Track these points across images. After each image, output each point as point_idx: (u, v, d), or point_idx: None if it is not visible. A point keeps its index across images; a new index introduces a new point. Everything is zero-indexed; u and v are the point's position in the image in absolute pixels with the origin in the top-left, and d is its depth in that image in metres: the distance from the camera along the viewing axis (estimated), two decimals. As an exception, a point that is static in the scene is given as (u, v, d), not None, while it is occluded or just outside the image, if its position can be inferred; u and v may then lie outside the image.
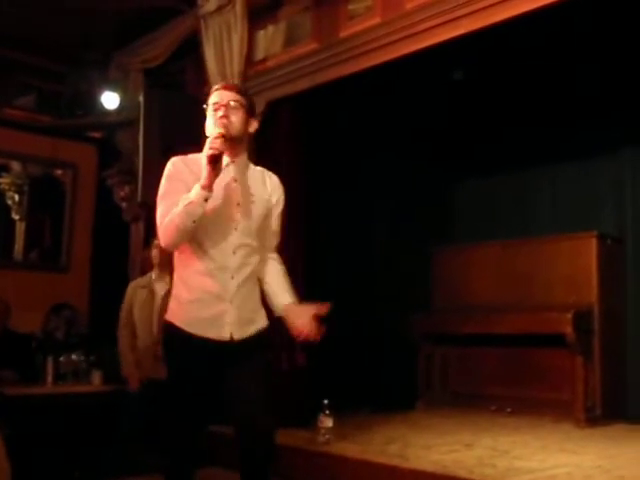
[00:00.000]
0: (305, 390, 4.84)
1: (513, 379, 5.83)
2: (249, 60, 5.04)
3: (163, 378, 4.34)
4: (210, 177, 2.47)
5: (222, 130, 2.54)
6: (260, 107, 4.39)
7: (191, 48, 5.33)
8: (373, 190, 5.98)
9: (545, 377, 5.63)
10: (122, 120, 5.98)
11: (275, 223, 2.79)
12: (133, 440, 4.62)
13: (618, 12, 4.12)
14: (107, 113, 6.17)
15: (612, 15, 4.17)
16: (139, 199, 4.36)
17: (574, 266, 5.58)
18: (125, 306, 4.84)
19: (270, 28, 5.14)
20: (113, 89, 6.08)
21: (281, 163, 3.93)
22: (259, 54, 5.19)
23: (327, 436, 4.39)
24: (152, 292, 4.81)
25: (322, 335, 2.62)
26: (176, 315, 2.67)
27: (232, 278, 2.61)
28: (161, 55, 5.69)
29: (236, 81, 4.63)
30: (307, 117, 5.21)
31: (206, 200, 2.49)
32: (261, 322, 2.72)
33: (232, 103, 2.64)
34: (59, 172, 6.70)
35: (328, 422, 4.43)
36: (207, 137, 2.55)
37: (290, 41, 5.01)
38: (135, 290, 4.88)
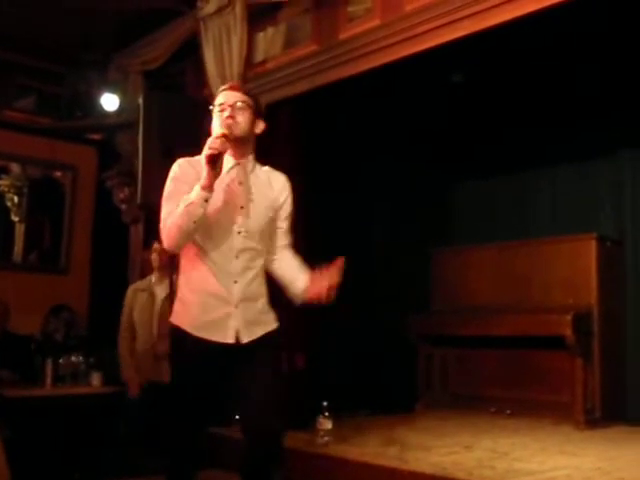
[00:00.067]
0: (304, 392, 4.84)
1: (513, 381, 5.83)
2: (249, 62, 5.05)
3: (163, 381, 4.40)
4: (209, 177, 2.46)
5: (225, 130, 2.53)
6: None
7: (191, 50, 5.33)
8: (372, 192, 5.98)
9: (545, 379, 5.63)
10: (122, 122, 5.98)
11: (285, 223, 2.76)
12: (132, 442, 4.62)
13: (618, 13, 4.12)
14: (107, 115, 6.17)
15: (611, 16, 4.17)
16: (138, 201, 4.35)
17: (573, 268, 5.58)
18: (125, 309, 4.84)
19: (270, 30, 5.14)
20: (113, 91, 6.08)
21: (280, 165, 3.92)
22: (259, 56, 5.19)
23: (326, 438, 4.39)
24: (152, 295, 4.81)
25: (333, 297, 2.60)
26: (181, 318, 2.66)
27: (235, 282, 2.60)
28: (161, 57, 5.69)
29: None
30: (306, 119, 5.21)
31: (206, 200, 2.47)
32: (270, 324, 2.70)
33: (238, 104, 2.62)
34: (59, 174, 6.71)
35: (327, 424, 4.42)
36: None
37: (290, 43, 5.01)
38: (135, 293, 4.88)
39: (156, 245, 4.81)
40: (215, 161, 2.45)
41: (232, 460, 3.55)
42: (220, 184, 2.57)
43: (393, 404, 5.68)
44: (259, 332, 2.64)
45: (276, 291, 2.78)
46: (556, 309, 5.37)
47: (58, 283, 6.46)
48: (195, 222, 2.49)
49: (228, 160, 2.65)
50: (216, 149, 2.44)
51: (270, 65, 5.11)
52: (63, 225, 6.63)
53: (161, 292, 4.74)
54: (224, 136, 2.49)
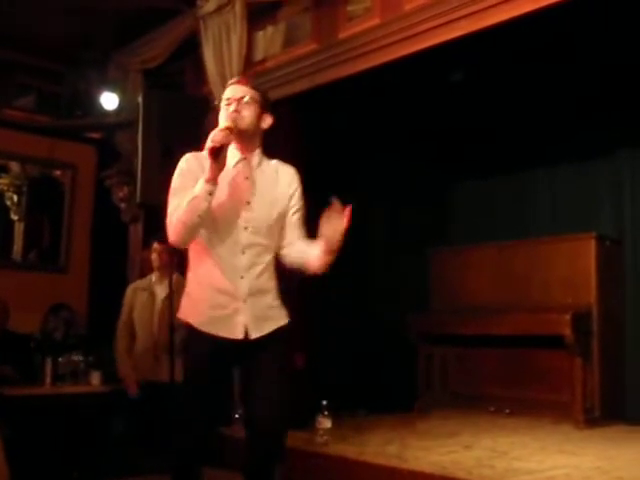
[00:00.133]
0: (303, 391, 4.84)
1: (512, 380, 5.84)
2: (248, 61, 5.04)
3: (162, 380, 4.40)
4: (213, 170, 2.44)
5: (230, 123, 2.52)
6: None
7: (190, 48, 5.33)
8: (372, 191, 5.97)
9: (544, 378, 5.63)
10: (121, 121, 5.98)
11: (295, 216, 2.73)
12: (131, 441, 4.63)
13: (616, 13, 4.12)
14: (106, 114, 6.17)
15: (609, 16, 4.17)
16: (138, 200, 4.34)
17: (573, 267, 5.58)
18: (125, 308, 4.84)
19: (269, 29, 5.14)
20: (112, 90, 6.08)
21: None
22: (258, 55, 5.19)
23: (325, 437, 4.39)
24: (152, 294, 4.81)
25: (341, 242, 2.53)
26: (188, 313, 2.66)
27: (242, 278, 2.58)
28: (160, 55, 5.69)
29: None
30: (306, 118, 5.21)
31: (210, 194, 2.45)
32: (280, 320, 2.68)
33: (245, 98, 2.61)
34: (58, 172, 6.70)
35: (326, 423, 4.42)
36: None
37: (289, 42, 5.01)
38: (135, 292, 4.88)
39: (156, 245, 4.81)
40: (217, 153, 2.43)
41: (233, 459, 3.56)
42: (226, 179, 2.55)
43: (393, 403, 5.68)
44: (268, 328, 2.62)
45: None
46: (555, 308, 5.37)
47: (57, 282, 6.46)
48: (200, 216, 2.47)
49: (234, 155, 2.64)
50: (218, 141, 2.42)
51: (270, 64, 5.11)
52: (62, 224, 6.63)
53: (161, 292, 4.73)
54: (228, 129, 2.48)
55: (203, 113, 4.31)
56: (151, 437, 4.49)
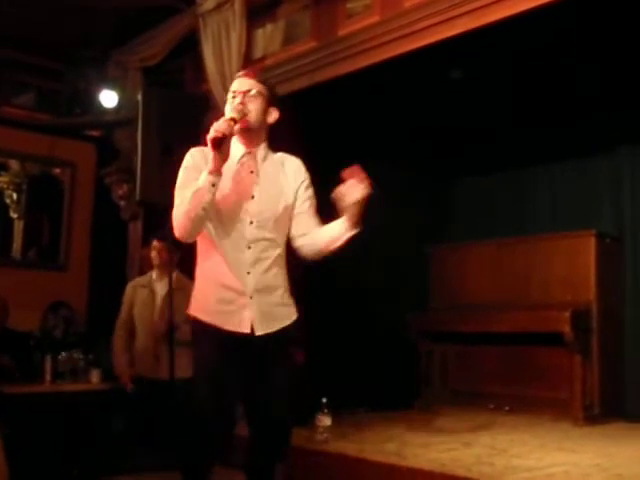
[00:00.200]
0: (303, 388, 4.84)
1: (512, 377, 5.84)
2: (248, 58, 5.04)
3: (161, 378, 4.40)
4: (215, 161, 2.42)
5: (234, 115, 2.50)
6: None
7: (190, 46, 5.32)
8: (371, 188, 5.96)
9: (543, 376, 5.64)
10: (121, 118, 5.97)
11: (305, 205, 2.70)
12: (130, 439, 4.63)
13: (615, 11, 4.12)
14: (106, 112, 6.16)
15: (609, 14, 4.17)
16: (137, 198, 4.35)
17: (572, 265, 5.59)
18: (124, 305, 4.84)
19: (269, 26, 5.13)
20: (112, 87, 6.07)
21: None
22: (258, 52, 5.19)
23: (325, 435, 4.39)
24: (152, 292, 4.81)
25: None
26: (197, 308, 2.63)
27: (248, 274, 2.56)
28: (159, 53, 5.68)
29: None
30: (305, 115, 5.20)
31: (214, 185, 2.43)
32: (287, 318, 2.66)
33: (252, 91, 2.60)
34: (57, 170, 6.69)
35: (326, 421, 4.43)
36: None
37: (289, 39, 5.00)
38: (135, 289, 4.88)
39: (155, 242, 4.81)
40: (219, 143, 2.40)
41: (234, 457, 3.55)
42: (230, 173, 2.54)
43: (392, 401, 5.68)
44: (275, 326, 2.60)
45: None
46: (555, 306, 5.38)
47: (57, 280, 6.46)
48: (204, 208, 2.44)
49: (239, 148, 2.62)
50: (221, 132, 2.40)
51: (269, 62, 5.11)
52: (62, 222, 6.62)
53: (161, 289, 4.73)
54: (232, 120, 2.46)
55: (202, 111, 4.31)
56: (151, 435, 4.50)
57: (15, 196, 6.44)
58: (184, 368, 4.51)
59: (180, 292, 4.55)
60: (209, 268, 2.61)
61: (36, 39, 5.96)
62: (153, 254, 4.83)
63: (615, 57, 4.82)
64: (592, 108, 5.45)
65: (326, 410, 4.44)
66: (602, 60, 4.90)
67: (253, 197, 2.59)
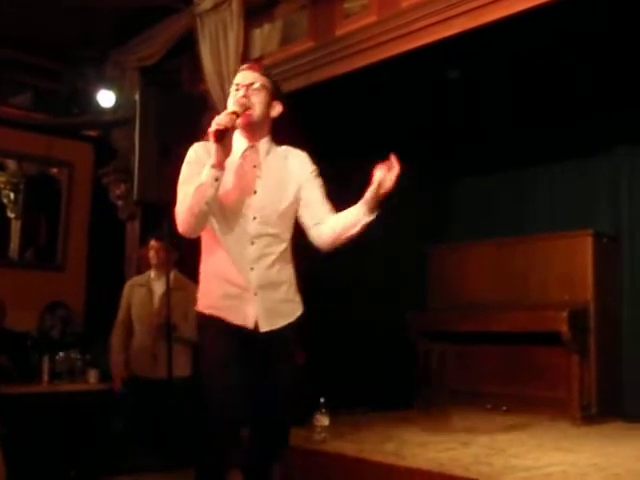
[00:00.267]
0: (302, 388, 4.84)
1: (510, 377, 5.85)
2: (245, 58, 5.03)
3: (159, 378, 4.40)
4: (218, 155, 2.39)
5: (237, 108, 2.48)
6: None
7: (187, 46, 5.32)
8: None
9: (541, 375, 5.64)
10: (118, 118, 5.97)
11: (315, 194, 2.66)
12: (128, 439, 4.63)
13: (614, 11, 4.12)
14: (103, 111, 6.16)
15: (608, 14, 4.17)
16: (135, 198, 4.34)
17: (570, 264, 5.59)
18: (123, 304, 4.83)
19: (266, 26, 5.13)
20: (109, 87, 6.07)
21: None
22: (255, 52, 5.18)
23: (323, 434, 4.39)
24: (150, 291, 4.80)
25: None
26: (203, 303, 2.61)
27: (252, 269, 2.53)
28: (157, 53, 5.68)
29: (232, 80, 4.63)
30: (303, 115, 5.20)
31: (217, 180, 2.40)
32: (292, 315, 2.64)
33: (255, 84, 2.57)
34: (55, 170, 6.68)
35: (324, 420, 4.43)
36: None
37: (286, 39, 5.00)
38: (132, 288, 4.88)
39: (153, 242, 4.80)
40: (221, 137, 2.37)
41: (232, 457, 3.53)
42: (233, 167, 2.52)
43: (391, 401, 5.68)
44: (279, 323, 2.58)
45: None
46: (553, 305, 5.38)
47: (54, 280, 6.45)
48: (207, 203, 2.42)
49: (242, 142, 2.60)
50: (223, 125, 2.38)
51: (267, 61, 5.09)
52: (59, 222, 6.61)
53: (159, 288, 4.73)
54: (234, 113, 2.44)
55: (200, 111, 4.30)
56: (149, 435, 4.50)
57: (12, 196, 6.43)
58: (182, 367, 4.54)
59: (178, 291, 4.56)
60: (213, 264, 2.59)
61: (34, 39, 5.95)
62: (151, 254, 4.83)
63: (613, 57, 4.82)
64: (591, 108, 5.45)
65: (324, 410, 4.44)
66: (601, 60, 4.90)
67: (255, 192, 2.56)
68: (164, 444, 4.36)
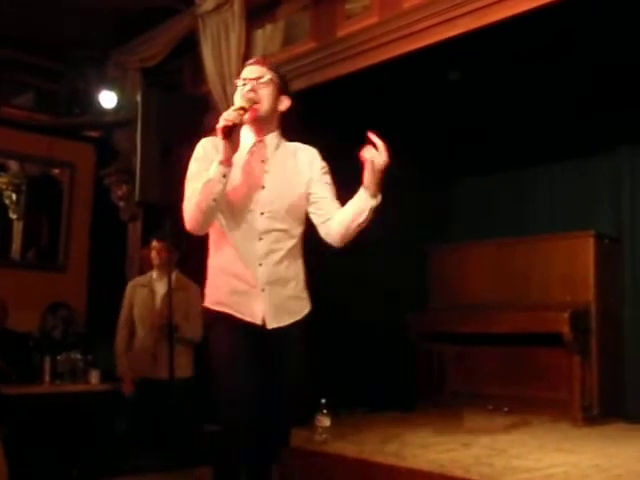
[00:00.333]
0: (304, 389, 4.84)
1: (511, 378, 5.84)
2: (247, 59, 5.02)
3: (160, 378, 4.40)
4: (226, 151, 2.37)
5: (245, 104, 2.45)
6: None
7: (189, 47, 5.32)
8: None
9: (543, 376, 5.63)
10: (120, 119, 5.98)
11: (324, 190, 2.62)
12: (130, 439, 4.63)
13: (615, 12, 4.12)
14: (105, 112, 6.17)
15: (609, 14, 4.17)
16: (137, 198, 4.35)
17: (571, 265, 5.59)
18: (125, 304, 4.84)
19: (268, 27, 5.13)
20: (111, 88, 6.07)
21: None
22: (257, 53, 5.18)
23: (324, 435, 4.39)
24: (152, 291, 4.81)
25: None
26: (211, 300, 2.58)
27: (260, 265, 2.50)
28: (159, 54, 5.69)
29: (233, 81, 4.64)
30: (304, 116, 5.20)
31: (224, 176, 2.38)
32: (299, 312, 2.60)
33: (262, 78, 2.55)
34: (56, 171, 6.69)
35: (325, 421, 4.43)
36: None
37: (288, 40, 5.00)
38: (135, 289, 4.88)
39: (155, 243, 4.80)
40: (229, 133, 2.35)
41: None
42: (241, 163, 2.49)
43: (392, 401, 5.68)
44: (287, 320, 2.55)
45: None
46: (554, 306, 5.38)
47: (56, 280, 6.45)
48: (215, 200, 2.39)
49: (250, 137, 2.57)
50: (230, 120, 2.35)
51: (268, 62, 5.10)
52: (61, 222, 6.62)
53: (161, 289, 4.73)
54: (242, 109, 2.41)
55: (202, 112, 4.31)
56: (151, 435, 4.50)
57: (14, 197, 6.44)
58: (183, 367, 4.54)
59: (180, 292, 4.57)
60: (221, 260, 2.56)
61: (36, 39, 5.95)
62: (153, 254, 4.83)
63: (615, 57, 4.82)
64: (592, 108, 5.45)
65: (325, 411, 4.44)
66: (602, 60, 4.90)
67: (264, 187, 2.53)
68: (165, 444, 4.37)
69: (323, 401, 4.45)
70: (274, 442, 2.60)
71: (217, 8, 5.00)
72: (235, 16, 4.92)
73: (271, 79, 2.57)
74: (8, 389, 4.46)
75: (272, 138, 2.62)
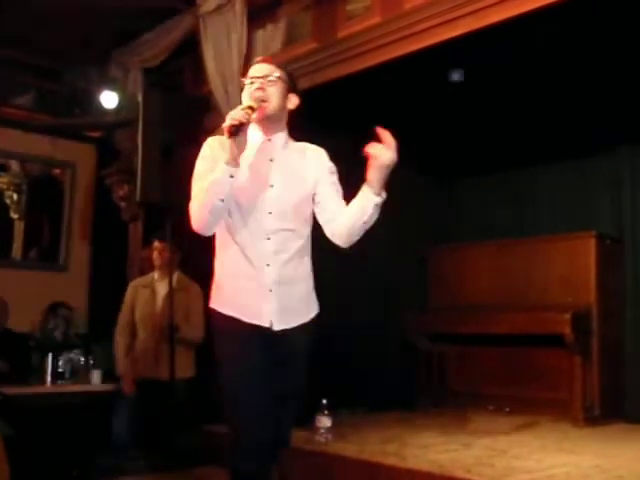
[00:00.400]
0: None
1: (511, 378, 5.84)
2: (248, 59, 5.03)
3: (161, 378, 4.40)
4: (232, 151, 2.33)
5: (252, 103, 2.41)
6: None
7: (190, 47, 5.32)
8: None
9: (543, 377, 5.64)
10: (121, 119, 5.97)
11: (332, 190, 2.58)
12: (131, 440, 4.63)
13: (617, 13, 4.12)
14: (106, 112, 6.16)
15: (611, 15, 4.17)
16: (138, 198, 4.34)
17: (572, 266, 5.59)
18: (126, 305, 4.84)
19: (269, 27, 5.13)
20: (112, 88, 6.07)
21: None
22: (258, 53, 5.17)
23: (325, 436, 4.39)
24: (154, 292, 4.81)
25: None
26: (217, 300, 2.53)
27: (268, 265, 2.45)
28: (160, 54, 5.69)
29: (235, 81, 4.64)
30: (305, 117, 5.20)
31: (232, 176, 2.34)
32: (307, 314, 2.56)
33: (270, 77, 2.51)
34: (57, 171, 6.70)
35: (326, 422, 4.43)
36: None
37: (289, 40, 5.00)
38: (136, 289, 4.88)
39: (157, 243, 4.81)
40: (236, 132, 2.31)
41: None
42: (249, 162, 2.46)
43: (392, 402, 5.68)
44: (294, 322, 2.50)
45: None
46: (555, 307, 5.37)
47: (57, 280, 6.46)
48: (222, 200, 2.36)
49: (258, 136, 2.54)
50: (237, 120, 2.31)
51: (269, 63, 5.10)
52: (62, 222, 6.63)
53: (162, 289, 4.73)
54: (250, 108, 2.38)
55: (203, 112, 4.31)
56: (150, 436, 4.50)
57: (15, 197, 6.45)
58: (184, 368, 4.54)
59: (181, 292, 4.57)
60: (228, 260, 2.51)
61: (36, 39, 5.95)
62: (154, 254, 4.83)
63: (616, 57, 4.82)
64: (592, 108, 5.45)
65: (326, 411, 4.44)
66: (603, 60, 4.90)
67: (272, 186, 2.49)
68: (165, 445, 4.36)
69: (324, 401, 4.45)
70: (276, 443, 2.59)
71: (218, 8, 5.00)
72: (236, 16, 4.92)
73: (279, 77, 2.54)
74: (9, 389, 4.45)
75: (280, 137, 2.59)
